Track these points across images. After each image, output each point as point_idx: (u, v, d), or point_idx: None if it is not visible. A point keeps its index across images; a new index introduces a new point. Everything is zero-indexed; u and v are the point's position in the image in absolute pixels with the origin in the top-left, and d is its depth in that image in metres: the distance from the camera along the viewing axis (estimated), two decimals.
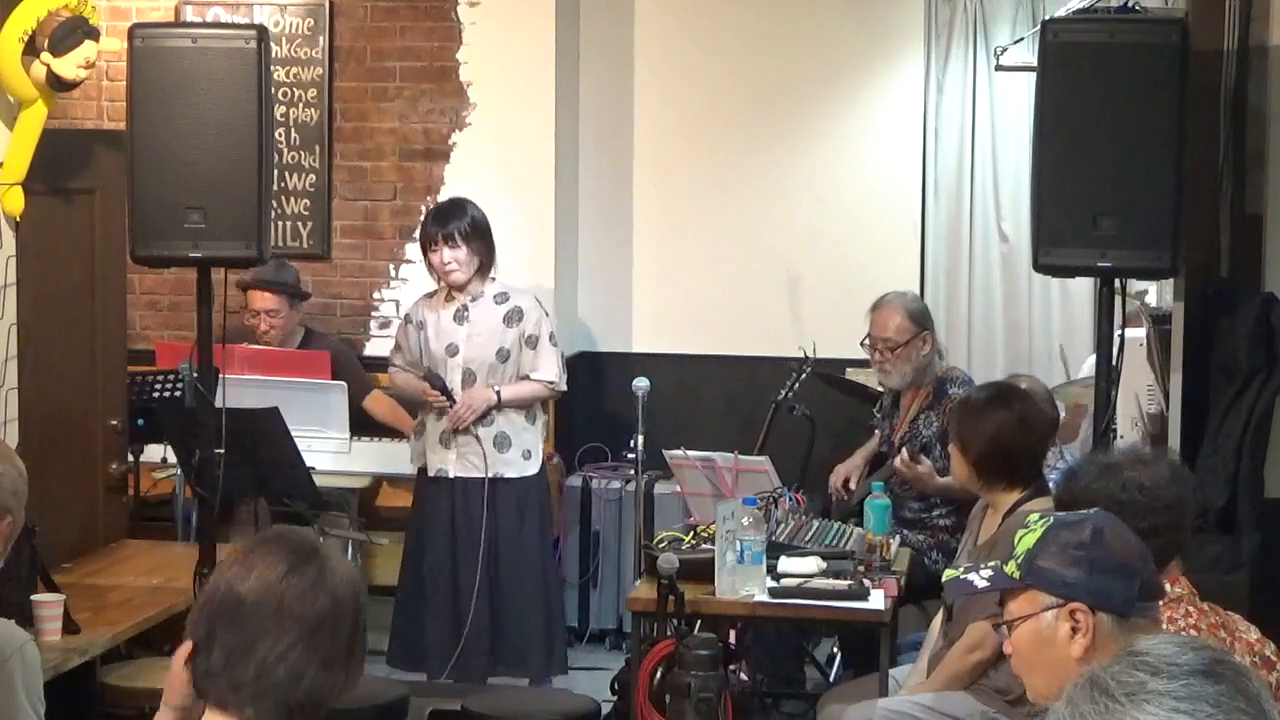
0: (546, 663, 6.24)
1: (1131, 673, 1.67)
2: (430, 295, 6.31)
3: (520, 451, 6.16)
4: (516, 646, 6.17)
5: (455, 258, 6.11)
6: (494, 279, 6.25)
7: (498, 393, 6.11)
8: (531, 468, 6.20)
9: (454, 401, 6.09)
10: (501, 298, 6.21)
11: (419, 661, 6.20)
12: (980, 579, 2.76)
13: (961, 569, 2.87)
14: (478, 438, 6.10)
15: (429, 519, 6.20)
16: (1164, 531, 3.24)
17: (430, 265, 6.21)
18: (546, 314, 6.26)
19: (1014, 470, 4.66)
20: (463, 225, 6.11)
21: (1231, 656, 1.72)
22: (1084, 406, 6.13)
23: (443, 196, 7.42)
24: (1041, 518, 2.75)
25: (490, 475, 6.09)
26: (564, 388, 6.28)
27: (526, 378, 6.18)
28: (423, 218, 6.28)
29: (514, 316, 6.17)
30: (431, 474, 6.18)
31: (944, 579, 3.04)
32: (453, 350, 6.17)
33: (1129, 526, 2.75)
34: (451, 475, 6.14)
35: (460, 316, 6.18)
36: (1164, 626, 2.97)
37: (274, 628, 2.28)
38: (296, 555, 2.32)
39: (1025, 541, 2.70)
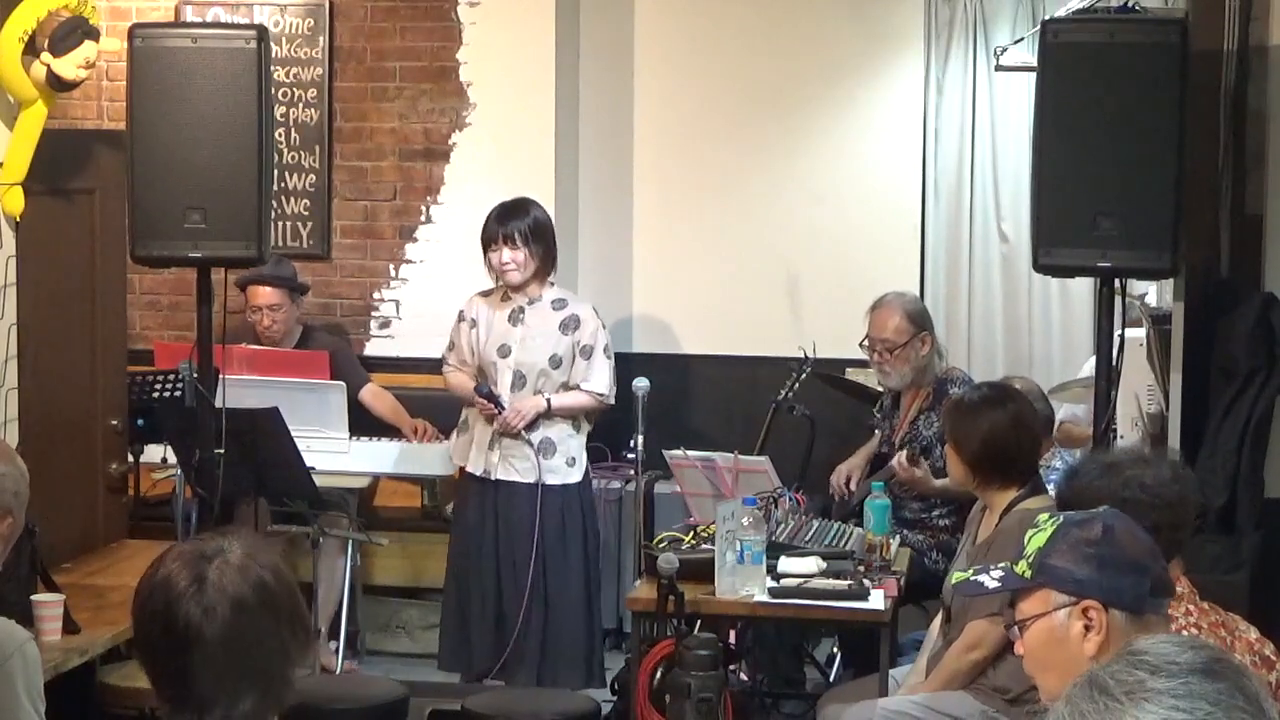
0: (586, 675, 6.15)
1: (1131, 671, 1.67)
2: (486, 293, 6.22)
3: (564, 459, 6.09)
4: (558, 656, 6.10)
5: (514, 258, 6.02)
6: (553, 283, 6.17)
7: (548, 400, 6.05)
8: (575, 475, 6.11)
9: (502, 408, 6.04)
10: (559, 304, 6.12)
11: (468, 664, 6.17)
12: (991, 580, 2.76)
13: (970, 571, 2.87)
14: (529, 442, 6.04)
15: (471, 519, 6.15)
16: (1165, 529, 3.24)
17: (489, 264, 6.13)
18: (604, 325, 6.18)
19: (1009, 469, 4.66)
20: (524, 225, 6.03)
21: (1231, 655, 1.73)
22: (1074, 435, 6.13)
23: (443, 196, 7.43)
24: (1051, 517, 2.76)
25: (538, 481, 6.04)
26: (612, 400, 6.17)
27: (577, 387, 6.11)
28: (488, 215, 6.20)
29: (570, 324, 6.08)
30: (476, 473, 6.12)
31: (952, 581, 3.03)
32: (504, 352, 6.09)
33: None
34: (495, 478, 6.09)
35: (515, 318, 6.11)
36: None
37: (205, 658, 2.29)
38: (195, 569, 2.32)
39: (1035, 541, 2.70)
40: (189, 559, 2.33)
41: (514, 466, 6.06)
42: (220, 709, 2.29)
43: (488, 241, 6.08)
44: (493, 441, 6.07)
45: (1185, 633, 3.11)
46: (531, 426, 6.04)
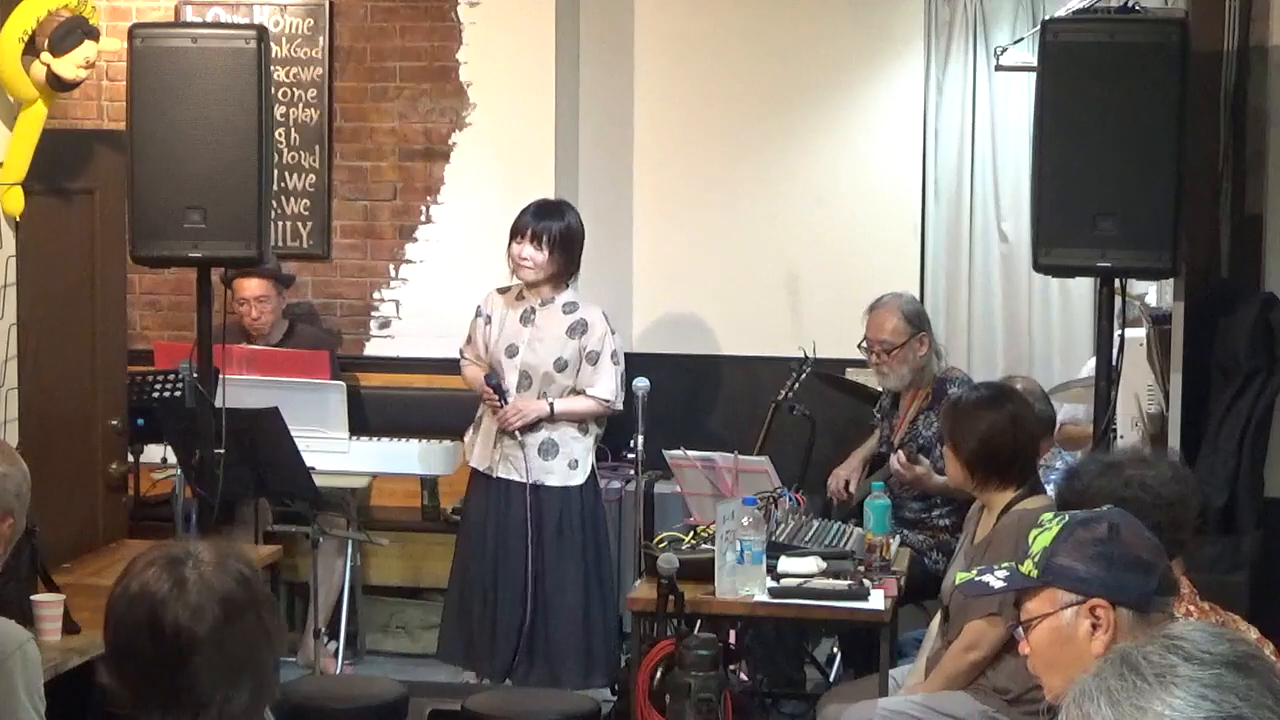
0: (583, 675, 6.13)
1: (1164, 655, 1.66)
2: (503, 291, 6.21)
3: (566, 461, 6.09)
4: (551, 657, 6.10)
5: (534, 258, 6.00)
6: (569, 287, 6.16)
7: (551, 405, 6.05)
8: (577, 478, 6.11)
9: (506, 403, 6.04)
10: (570, 307, 6.11)
11: (465, 657, 6.19)
12: (996, 580, 2.75)
13: (974, 571, 2.86)
14: (522, 443, 6.04)
15: (475, 515, 6.17)
16: (1166, 530, 3.23)
17: (509, 252, 6.08)
18: (613, 331, 6.16)
19: (1007, 469, 4.66)
20: (555, 230, 6.01)
21: (1264, 653, 1.71)
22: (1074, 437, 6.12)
23: (443, 196, 7.43)
24: (1055, 516, 2.75)
25: (531, 481, 6.04)
26: (619, 406, 6.17)
27: (583, 392, 6.11)
28: (526, 205, 6.13)
29: (579, 329, 6.08)
30: (480, 469, 6.14)
31: (956, 582, 3.03)
32: (512, 351, 6.09)
33: None
34: (495, 475, 6.10)
35: (526, 319, 6.11)
36: None
37: (199, 658, 2.29)
38: (172, 573, 2.32)
39: (1041, 540, 2.70)
40: (162, 565, 2.33)
41: (512, 466, 6.07)
42: (215, 708, 2.29)
43: (516, 231, 6.05)
44: (496, 439, 6.08)
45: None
46: (534, 428, 6.04)
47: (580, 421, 6.13)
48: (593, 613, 6.19)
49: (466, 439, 6.30)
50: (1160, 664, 1.65)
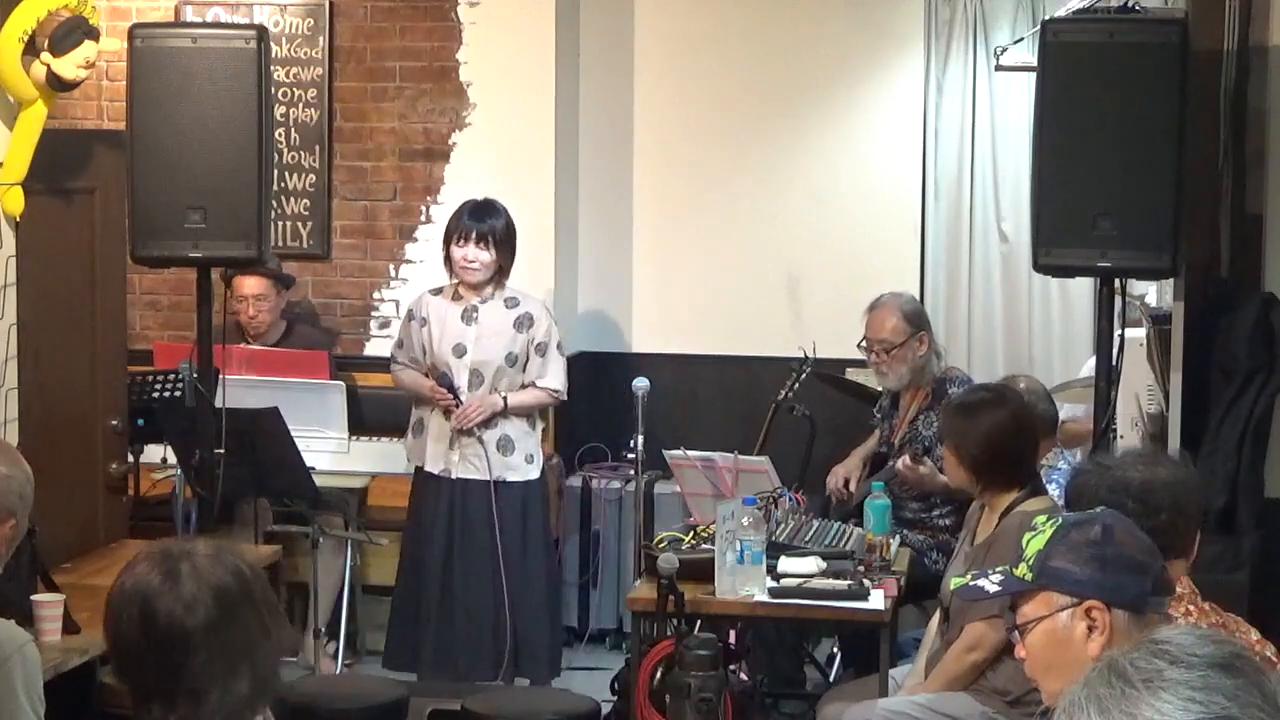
0: (550, 667, 6.26)
1: (1150, 660, 1.67)
2: (436, 291, 6.26)
3: (523, 455, 6.15)
4: (522, 650, 6.16)
5: (480, 259, 6.08)
6: (505, 283, 6.23)
7: (504, 399, 6.10)
8: (534, 472, 6.18)
9: (460, 401, 6.07)
10: (511, 302, 6.18)
11: (414, 662, 6.19)
12: (991, 584, 2.75)
13: (969, 575, 2.86)
14: (481, 440, 6.09)
15: (428, 518, 6.18)
16: (1157, 535, 3.22)
17: (448, 258, 6.15)
18: (555, 322, 6.26)
19: (1010, 470, 4.65)
20: (498, 229, 6.10)
21: (1251, 653, 1.72)
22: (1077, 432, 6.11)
23: (443, 196, 7.43)
24: (1049, 519, 2.75)
25: (494, 478, 6.08)
26: (565, 396, 6.27)
27: (533, 385, 6.17)
28: (457, 209, 6.20)
29: (524, 322, 6.15)
30: (435, 471, 6.15)
31: (951, 586, 3.02)
32: (460, 351, 6.13)
33: None
34: (454, 475, 6.13)
35: (469, 317, 6.16)
36: None
37: (193, 649, 2.31)
38: (166, 567, 2.33)
39: (1035, 543, 2.69)
40: (157, 560, 2.35)
41: (472, 464, 6.10)
42: (215, 696, 2.30)
43: (457, 235, 6.11)
44: (453, 440, 6.10)
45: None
46: (489, 424, 6.08)
47: (528, 416, 6.18)
48: (554, 605, 6.33)
49: (406, 443, 6.31)
50: (1147, 669, 1.66)
